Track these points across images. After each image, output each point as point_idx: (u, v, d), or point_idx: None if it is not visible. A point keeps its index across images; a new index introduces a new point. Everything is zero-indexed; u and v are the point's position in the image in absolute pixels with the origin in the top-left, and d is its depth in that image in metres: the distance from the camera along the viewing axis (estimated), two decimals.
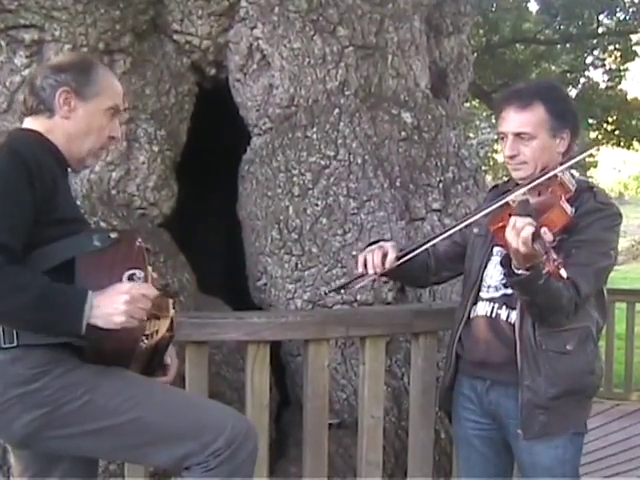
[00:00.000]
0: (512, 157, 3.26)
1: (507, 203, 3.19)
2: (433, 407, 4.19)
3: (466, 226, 3.45)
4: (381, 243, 3.59)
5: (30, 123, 2.93)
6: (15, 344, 2.62)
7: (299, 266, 5.22)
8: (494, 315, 3.35)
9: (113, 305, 2.57)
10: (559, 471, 3.29)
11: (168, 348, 3.04)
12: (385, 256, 3.47)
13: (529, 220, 2.82)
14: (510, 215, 3.03)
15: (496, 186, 3.78)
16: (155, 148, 5.52)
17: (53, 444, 2.75)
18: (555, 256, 2.71)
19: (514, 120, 3.23)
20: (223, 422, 2.84)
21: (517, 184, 3.34)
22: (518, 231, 2.81)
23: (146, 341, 2.75)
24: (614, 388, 8.94)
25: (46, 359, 2.64)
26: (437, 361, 4.24)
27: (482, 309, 3.40)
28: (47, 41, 5.24)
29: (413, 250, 3.51)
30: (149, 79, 5.62)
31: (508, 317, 3.29)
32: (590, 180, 3.60)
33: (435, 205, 5.55)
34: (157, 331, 2.81)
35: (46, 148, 2.83)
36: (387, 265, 3.46)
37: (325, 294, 3.90)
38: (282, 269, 5.25)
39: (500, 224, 3.10)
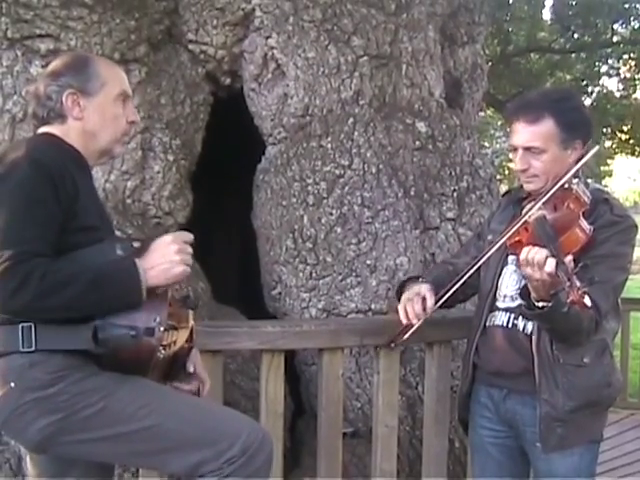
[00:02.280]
0: (523, 171, 3.24)
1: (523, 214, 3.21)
2: (447, 416, 4.19)
3: (491, 254, 3.39)
4: (416, 289, 3.54)
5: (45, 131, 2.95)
6: (34, 349, 2.63)
7: (313, 275, 5.22)
8: (510, 325, 3.34)
9: (167, 258, 2.65)
10: (573, 475, 3.29)
11: (188, 358, 3.04)
12: (424, 301, 3.46)
13: (546, 252, 2.80)
14: (527, 230, 3.07)
15: (509, 192, 3.78)
16: (170, 157, 5.54)
17: (69, 449, 2.75)
18: (578, 283, 2.69)
19: (523, 134, 3.20)
20: (238, 430, 2.84)
21: (529, 194, 3.35)
22: (540, 265, 2.80)
23: (164, 351, 2.75)
24: (629, 397, 8.89)
25: (64, 364, 2.65)
26: (451, 370, 4.23)
27: (499, 319, 3.40)
28: (63, 51, 5.24)
29: (449, 290, 3.47)
30: (164, 89, 5.64)
31: (525, 328, 3.28)
32: (605, 189, 3.55)
33: (449, 214, 5.55)
34: (175, 342, 2.82)
35: (65, 151, 2.85)
36: (428, 311, 3.46)
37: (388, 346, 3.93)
38: (297, 278, 5.26)
39: (517, 238, 3.14)
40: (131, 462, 3.34)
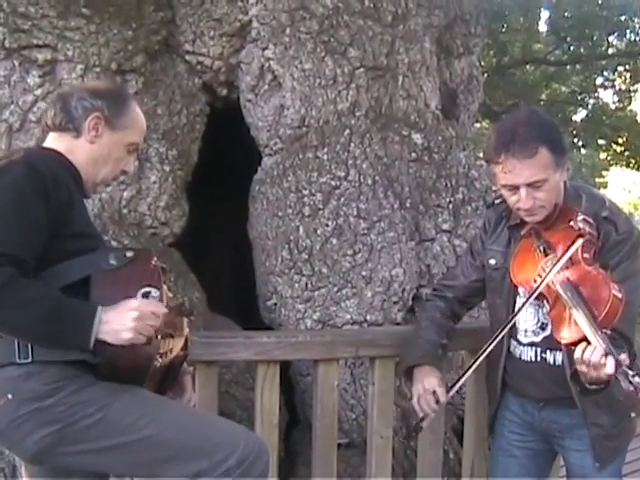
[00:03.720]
0: (530, 207, 3.17)
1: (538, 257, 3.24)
2: (442, 427, 4.19)
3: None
4: (426, 385, 3.46)
5: (54, 139, 2.97)
6: (30, 360, 2.63)
7: (309, 286, 5.22)
8: (539, 359, 3.36)
9: (122, 321, 2.58)
10: (606, 473, 3.36)
11: (182, 367, 3.05)
12: (434, 393, 3.42)
13: (602, 351, 2.76)
14: (551, 290, 3.09)
15: (493, 204, 3.67)
16: (166, 168, 5.54)
17: (66, 460, 2.76)
18: (638, 379, 2.68)
19: (524, 171, 3.08)
20: (235, 440, 2.85)
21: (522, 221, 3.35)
22: (596, 366, 2.78)
23: (160, 360, 2.76)
24: None
25: (60, 375, 2.65)
26: (446, 382, 4.24)
27: (526, 354, 3.41)
28: (60, 61, 5.27)
29: (460, 378, 3.44)
30: (161, 99, 5.65)
31: (555, 361, 3.30)
32: (599, 193, 3.48)
33: (445, 226, 5.56)
34: (171, 350, 2.83)
35: (64, 166, 2.86)
36: (442, 400, 3.43)
37: (407, 436, 3.96)
38: (292, 289, 5.26)
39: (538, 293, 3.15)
40: (129, 472, 3.33)
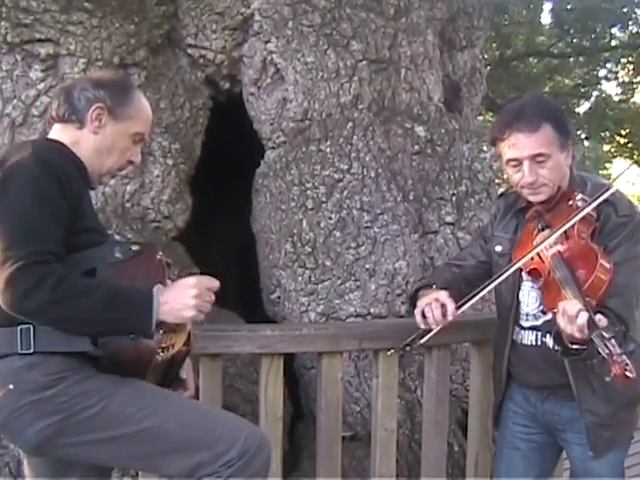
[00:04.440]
0: (532, 182, 3.20)
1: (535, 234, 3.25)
2: (446, 420, 4.19)
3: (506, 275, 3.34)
4: (434, 295, 3.44)
5: (58, 131, 2.97)
6: (32, 351, 2.64)
7: (312, 279, 5.22)
8: (539, 343, 3.37)
9: (182, 300, 2.65)
10: (608, 472, 3.36)
11: (184, 362, 3.05)
12: (444, 307, 3.38)
13: (580, 306, 2.78)
14: (542, 260, 3.12)
15: (504, 194, 3.74)
16: (169, 162, 5.55)
17: (67, 451, 2.75)
18: (618, 350, 2.67)
19: (528, 144, 3.15)
20: (236, 433, 2.84)
21: (529, 203, 3.36)
22: (571, 319, 2.79)
23: (162, 354, 2.76)
24: None
25: (62, 366, 2.66)
26: (450, 374, 4.24)
27: (527, 338, 3.42)
28: (62, 55, 5.27)
29: (470, 298, 3.40)
30: (164, 93, 5.65)
31: (554, 345, 3.27)
32: (602, 181, 3.49)
33: (448, 218, 5.55)
34: (173, 344, 2.82)
35: (70, 159, 2.86)
36: (450, 317, 3.38)
37: (391, 354, 3.86)
38: (296, 282, 5.26)
39: (533, 266, 3.18)
40: (129, 465, 3.34)
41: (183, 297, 2.66)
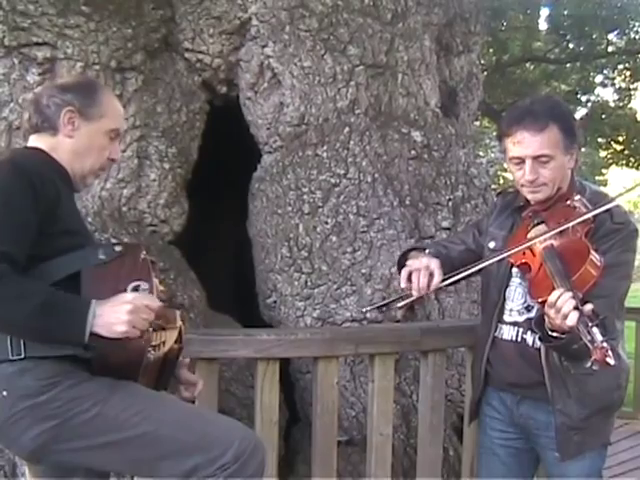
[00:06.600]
0: (532, 181, 3.21)
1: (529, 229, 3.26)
2: (442, 424, 4.19)
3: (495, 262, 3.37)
4: (426, 262, 3.40)
5: (35, 141, 2.98)
6: (23, 356, 2.63)
7: (309, 284, 5.23)
8: (519, 339, 3.36)
9: (116, 314, 2.57)
10: (584, 474, 3.35)
11: (178, 361, 3.04)
12: (431, 276, 3.36)
13: (569, 297, 2.79)
14: (534, 254, 3.12)
15: (502, 192, 3.76)
16: (166, 165, 5.55)
17: (63, 457, 2.75)
18: (600, 337, 2.67)
19: (532, 143, 3.16)
20: (231, 436, 2.84)
21: (527, 202, 3.36)
22: (564, 316, 2.78)
23: (153, 352, 2.75)
24: (623, 407, 8.85)
25: (55, 371, 2.65)
26: (446, 379, 4.24)
27: (507, 333, 3.41)
28: (59, 59, 5.27)
29: (457, 274, 3.42)
30: (160, 97, 5.65)
31: (534, 342, 3.28)
32: (602, 190, 3.51)
33: (444, 223, 5.55)
34: (164, 342, 2.81)
35: (49, 164, 2.88)
36: (432, 288, 3.37)
37: (366, 311, 3.83)
38: (292, 287, 5.26)
39: (523, 260, 3.19)
40: (125, 470, 3.33)
41: (117, 312, 2.58)
